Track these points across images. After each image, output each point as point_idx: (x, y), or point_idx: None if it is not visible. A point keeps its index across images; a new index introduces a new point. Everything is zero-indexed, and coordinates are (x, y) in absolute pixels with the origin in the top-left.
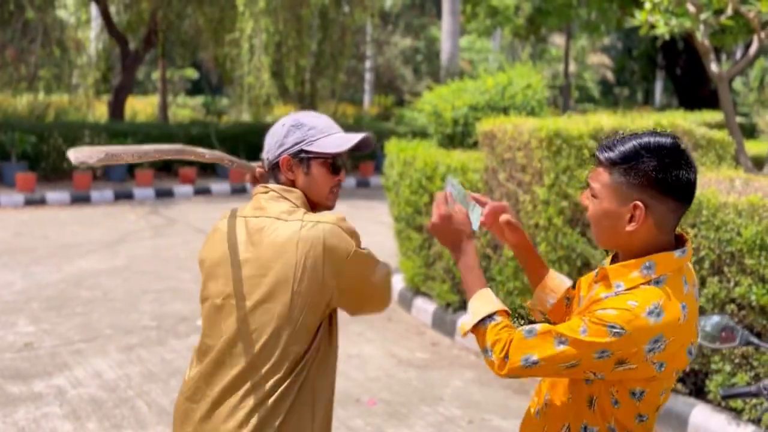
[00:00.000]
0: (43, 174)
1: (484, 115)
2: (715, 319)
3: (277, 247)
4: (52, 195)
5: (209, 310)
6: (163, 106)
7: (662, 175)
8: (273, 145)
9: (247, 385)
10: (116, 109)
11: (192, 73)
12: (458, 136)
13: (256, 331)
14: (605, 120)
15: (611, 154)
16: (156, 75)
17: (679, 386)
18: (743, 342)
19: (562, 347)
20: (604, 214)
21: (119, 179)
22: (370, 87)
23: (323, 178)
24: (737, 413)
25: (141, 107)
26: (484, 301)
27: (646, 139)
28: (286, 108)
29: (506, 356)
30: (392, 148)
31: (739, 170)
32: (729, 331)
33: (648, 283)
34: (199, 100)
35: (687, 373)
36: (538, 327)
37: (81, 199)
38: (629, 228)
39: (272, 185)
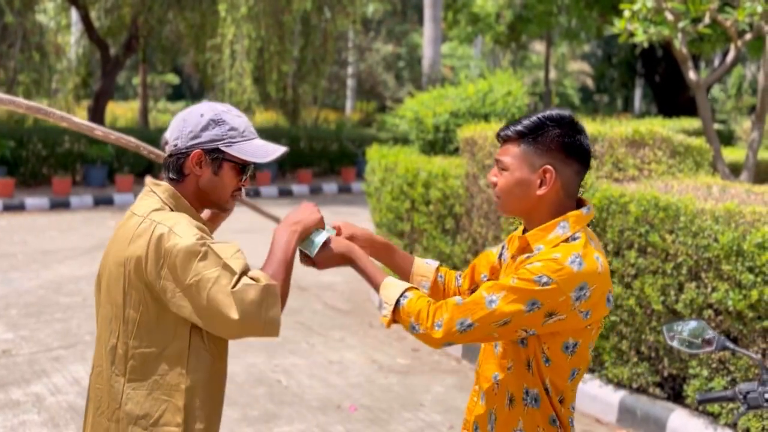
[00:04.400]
0: (22, 179)
1: (465, 122)
2: (693, 324)
3: (120, 242)
4: (30, 200)
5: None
6: (144, 112)
7: (568, 140)
8: (185, 133)
9: (100, 384)
10: (96, 114)
11: (173, 79)
12: (439, 143)
13: (101, 329)
14: (585, 127)
15: (519, 127)
16: (137, 80)
17: (658, 391)
18: (720, 347)
19: (493, 306)
20: (517, 182)
21: (99, 184)
22: (352, 93)
23: (230, 182)
24: (714, 417)
25: (121, 112)
26: (391, 288)
27: (548, 113)
28: (268, 114)
29: (437, 324)
30: (374, 154)
31: (717, 177)
32: (706, 337)
33: (566, 240)
34: (180, 105)
35: (665, 377)
36: (471, 294)
37: (60, 205)
38: (540, 192)
39: (149, 180)
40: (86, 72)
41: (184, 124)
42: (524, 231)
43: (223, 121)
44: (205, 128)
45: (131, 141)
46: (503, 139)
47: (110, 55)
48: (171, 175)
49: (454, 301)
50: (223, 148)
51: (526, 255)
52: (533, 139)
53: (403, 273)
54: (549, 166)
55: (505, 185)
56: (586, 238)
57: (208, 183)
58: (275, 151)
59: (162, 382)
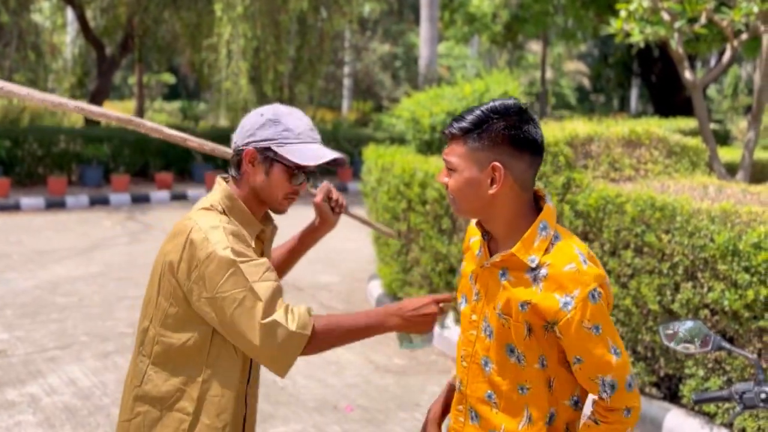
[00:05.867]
0: (18, 179)
1: None
2: (689, 324)
3: (169, 233)
4: (26, 200)
5: None
6: (140, 111)
7: (514, 132)
8: (244, 132)
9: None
10: None
11: (169, 78)
12: (436, 143)
13: (142, 315)
14: (581, 127)
15: (463, 124)
16: (132, 80)
17: (654, 391)
18: (716, 347)
19: (619, 352)
20: (467, 182)
21: (95, 184)
22: (348, 93)
23: (281, 184)
24: (710, 417)
25: (117, 112)
26: None
27: (492, 104)
28: None
29: (625, 412)
30: (370, 154)
31: (713, 177)
32: (702, 337)
33: (551, 243)
34: (176, 105)
35: (661, 377)
36: (608, 376)
37: (56, 205)
38: (492, 191)
39: (219, 178)
40: (82, 72)
41: (245, 122)
42: (483, 232)
43: (279, 121)
44: (261, 127)
45: (227, 151)
46: (448, 137)
47: (106, 55)
48: (232, 173)
49: (616, 391)
50: (274, 148)
51: (529, 273)
52: (478, 135)
53: None
54: (497, 163)
55: (455, 187)
56: (564, 231)
57: (260, 182)
58: (325, 155)
59: (181, 371)
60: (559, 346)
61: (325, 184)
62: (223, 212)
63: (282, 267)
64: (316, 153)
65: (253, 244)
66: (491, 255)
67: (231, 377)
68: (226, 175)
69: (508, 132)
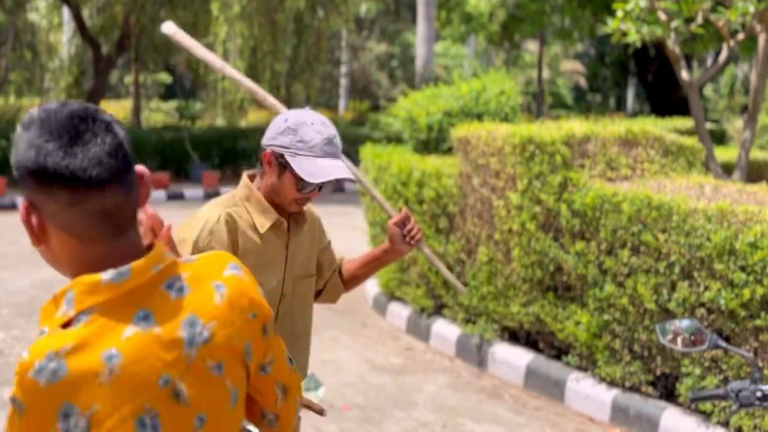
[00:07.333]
0: (13, 179)
1: (459, 121)
2: (685, 323)
3: None
4: (22, 200)
5: None
6: (136, 111)
7: (31, 155)
8: (269, 134)
9: None
10: None
11: (165, 77)
12: (433, 142)
13: None
14: (578, 126)
15: None
16: (129, 79)
17: (650, 389)
18: (712, 345)
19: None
20: (28, 229)
21: None
22: (345, 92)
23: (289, 190)
24: (707, 416)
25: (114, 111)
26: None
27: (27, 114)
28: (261, 113)
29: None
30: (367, 153)
31: (709, 176)
32: (698, 335)
33: (71, 323)
34: (172, 104)
35: (658, 376)
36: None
37: None
38: (39, 245)
39: (244, 174)
40: (78, 71)
41: (272, 124)
42: None
43: (297, 131)
44: (281, 133)
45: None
46: None
47: (102, 54)
48: (258, 168)
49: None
50: (287, 157)
51: None
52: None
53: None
54: (26, 203)
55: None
56: (108, 318)
57: (273, 183)
58: (329, 175)
59: None
60: None
61: (405, 211)
62: (242, 200)
63: (351, 281)
64: (321, 170)
65: (262, 230)
66: None
67: None
68: (250, 172)
69: (24, 155)
